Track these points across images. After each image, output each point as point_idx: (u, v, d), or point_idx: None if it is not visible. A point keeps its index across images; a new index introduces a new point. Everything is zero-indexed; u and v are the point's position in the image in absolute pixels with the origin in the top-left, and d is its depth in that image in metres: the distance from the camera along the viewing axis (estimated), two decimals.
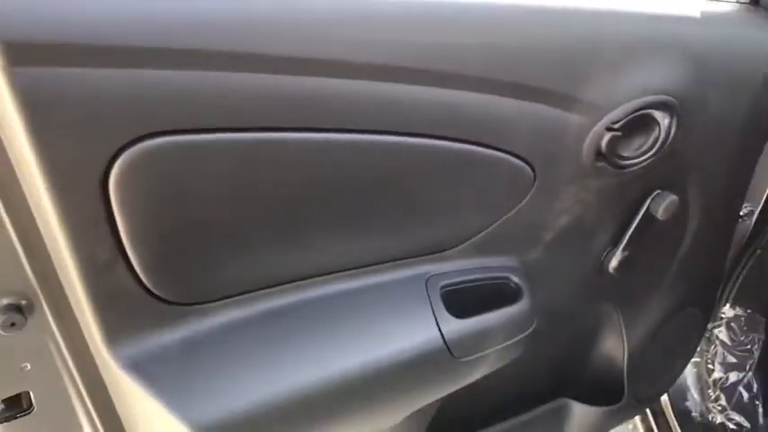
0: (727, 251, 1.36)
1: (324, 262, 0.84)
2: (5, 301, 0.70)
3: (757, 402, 1.60)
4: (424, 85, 0.77)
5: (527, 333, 0.97)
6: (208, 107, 0.64)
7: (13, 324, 0.70)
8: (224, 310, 0.78)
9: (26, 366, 0.76)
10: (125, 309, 0.71)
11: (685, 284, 1.29)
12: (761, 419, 1.58)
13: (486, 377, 1.01)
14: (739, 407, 1.59)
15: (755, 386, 1.61)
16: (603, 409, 1.20)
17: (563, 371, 1.22)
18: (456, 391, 0.98)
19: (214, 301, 0.77)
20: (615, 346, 1.26)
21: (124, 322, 0.72)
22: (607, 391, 1.24)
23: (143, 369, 0.73)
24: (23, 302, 0.71)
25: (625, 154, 0.95)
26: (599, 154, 0.93)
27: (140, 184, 0.64)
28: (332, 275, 0.85)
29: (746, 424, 1.57)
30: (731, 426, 1.57)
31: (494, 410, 1.13)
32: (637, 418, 1.71)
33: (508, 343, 0.94)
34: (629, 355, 1.26)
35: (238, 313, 0.79)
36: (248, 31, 0.64)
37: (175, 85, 0.62)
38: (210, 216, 0.71)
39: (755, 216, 1.48)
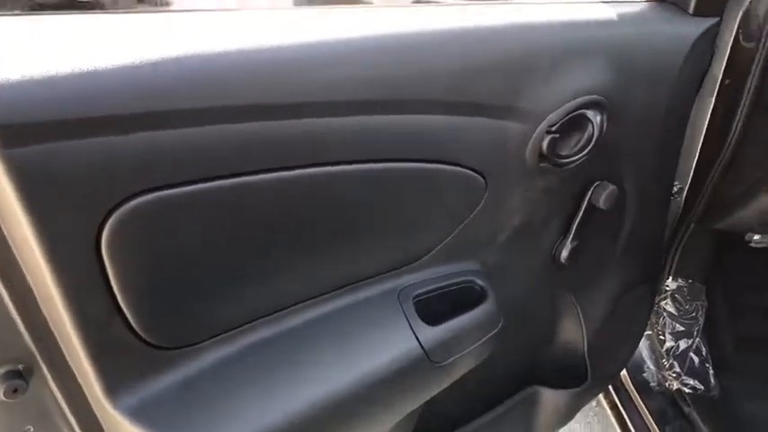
0: (664, 229, 1.48)
1: (302, 290, 0.89)
2: (5, 369, 0.73)
3: (707, 365, 1.73)
4: (382, 114, 0.83)
5: (496, 331, 1.04)
6: (184, 162, 0.69)
7: (15, 390, 0.73)
8: (213, 348, 0.82)
9: (29, 429, 0.79)
10: (122, 359, 0.75)
11: (631, 264, 1.39)
12: (712, 380, 1.71)
13: (462, 377, 1.07)
14: (692, 371, 1.71)
15: (704, 350, 1.74)
16: (571, 391, 1.29)
17: (530, 360, 1.30)
18: (435, 395, 1.04)
19: (203, 341, 0.81)
20: (575, 330, 1.35)
21: (122, 372, 0.75)
22: (572, 374, 1.33)
23: (143, 415, 0.76)
24: (22, 366, 0.74)
25: (564, 153, 1.04)
26: (541, 156, 1.02)
27: (130, 241, 0.68)
28: (311, 301, 0.90)
29: (700, 386, 1.69)
30: (687, 390, 1.69)
31: (471, 408, 1.20)
32: (600, 394, 1.82)
33: (479, 342, 1.01)
34: (588, 338, 1.35)
35: (227, 350, 0.83)
36: (213, 87, 0.69)
37: (154, 145, 0.66)
38: (195, 262, 0.75)
39: (685, 193, 1.60)
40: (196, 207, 0.72)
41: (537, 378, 1.28)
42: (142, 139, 0.66)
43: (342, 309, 0.92)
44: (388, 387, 0.91)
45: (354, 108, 0.80)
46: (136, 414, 0.75)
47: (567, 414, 1.35)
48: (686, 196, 1.60)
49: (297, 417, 0.83)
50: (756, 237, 1.61)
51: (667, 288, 1.74)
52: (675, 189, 1.60)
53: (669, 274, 1.75)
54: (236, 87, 0.71)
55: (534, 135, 0.99)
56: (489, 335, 1.03)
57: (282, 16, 0.89)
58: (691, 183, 1.58)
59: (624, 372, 1.76)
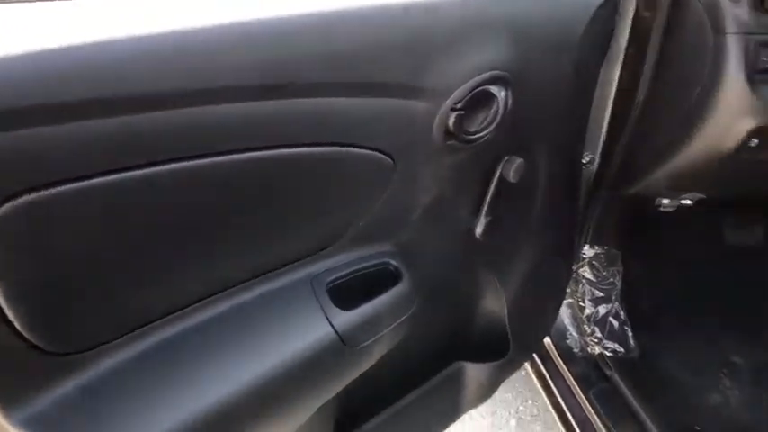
0: (577, 199, 1.51)
1: (208, 284, 0.86)
2: None
3: (626, 328, 1.79)
4: (285, 99, 0.81)
5: (412, 311, 1.04)
6: (72, 157, 0.65)
7: None
8: (114, 351, 0.79)
9: None
10: (12, 368, 0.71)
11: (547, 235, 1.41)
12: (631, 342, 1.77)
13: (382, 358, 1.07)
14: (612, 335, 1.77)
15: (622, 313, 1.80)
16: (494, 364, 1.31)
17: (453, 336, 1.31)
18: (357, 379, 1.04)
19: (103, 344, 0.78)
20: (495, 304, 1.37)
21: (13, 382, 0.72)
22: (495, 347, 1.35)
23: (40, 428, 0.73)
24: None
25: (471, 129, 1.04)
26: (448, 133, 1.02)
27: (12, 242, 0.65)
28: (219, 295, 0.88)
29: (620, 349, 1.75)
30: (608, 353, 1.74)
31: (395, 388, 1.21)
32: (526, 364, 1.86)
33: (396, 323, 1.01)
34: (509, 309, 1.38)
35: (129, 352, 0.80)
36: (98, 77, 0.66)
37: (38, 142, 0.62)
38: (86, 261, 0.72)
39: (597, 162, 1.65)
40: (85, 204, 0.68)
41: (461, 354, 1.30)
42: (23, 136, 0.62)
43: (252, 301, 0.90)
44: (305, 375, 0.90)
45: (256, 93, 0.78)
46: (32, 427, 0.72)
47: (492, 386, 1.37)
48: (598, 165, 1.64)
49: (207, 415, 0.81)
50: (665, 201, 1.67)
51: (584, 256, 1.79)
52: (587, 159, 1.64)
53: (586, 242, 1.79)
54: (127, 76, 0.67)
55: (440, 113, 0.99)
56: (405, 315, 1.03)
57: (176, 1, 0.86)
58: (602, 152, 1.62)
59: (549, 340, 1.81)
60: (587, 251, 1.79)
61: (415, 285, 1.06)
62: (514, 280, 1.39)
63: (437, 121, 0.99)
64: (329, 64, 0.84)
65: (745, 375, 1.81)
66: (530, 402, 2.19)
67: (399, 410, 1.20)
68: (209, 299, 0.87)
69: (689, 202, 1.67)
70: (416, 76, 0.93)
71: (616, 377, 1.66)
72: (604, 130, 1.59)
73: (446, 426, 1.35)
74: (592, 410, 1.61)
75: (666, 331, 1.90)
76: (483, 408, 2.15)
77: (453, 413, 1.34)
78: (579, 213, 1.64)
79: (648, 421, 1.54)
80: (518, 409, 2.17)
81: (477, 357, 1.30)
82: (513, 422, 2.12)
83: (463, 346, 1.32)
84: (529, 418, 2.13)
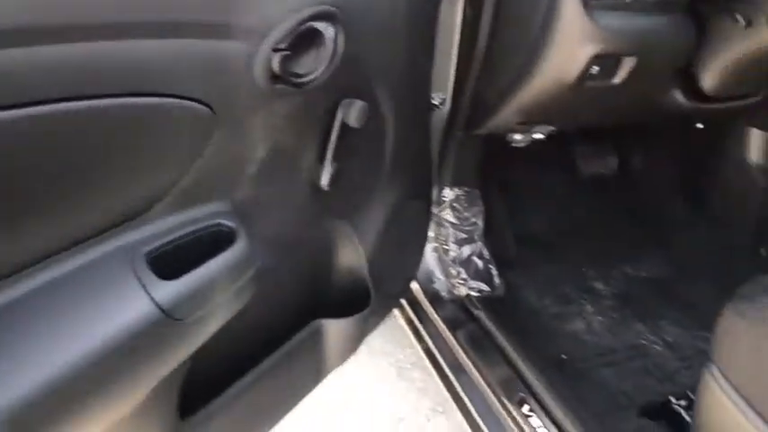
0: (428, 141, 1.48)
1: (12, 255, 0.75)
2: None
3: (490, 266, 1.80)
4: (73, 42, 0.70)
5: (252, 274, 0.97)
6: None
7: None
8: None
9: None
10: None
11: (401, 180, 1.37)
12: (497, 280, 1.79)
13: (228, 327, 1.00)
14: (478, 275, 1.78)
15: (486, 253, 1.81)
16: (356, 317, 1.27)
17: (309, 294, 1.26)
18: (201, 350, 0.96)
19: None
20: (353, 255, 1.32)
21: None
22: (355, 300, 1.31)
23: None
24: None
25: (300, 71, 0.96)
26: (274, 77, 0.93)
27: None
28: (28, 269, 0.77)
29: (486, 288, 1.77)
30: (474, 294, 1.75)
31: (248, 357, 1.14)
32: (396, 312, 1.84)
33: (234, 288, 0.93)
34: (369, 259, 1.33)
35: None
36: None
37: None
38: None
39: (449, 102, 1.62)
40: None
41: (319, 311, 1.24)
42: None
43: (66, 275, 0.80)
44: (130, 352, 0.81)
45: (38, 36, 0.67)
46: None
47: (356, 341, 1.34)
48: (450, 106, 1.62)
49: (27, 400, 0.71)
50: (517, 137, 1.68)
51: (445, 198, 1.78)
52: (439, 100, 1.61)
53: (446, 185, 1.78)
54: None
55: (260, 54, 0.90)
56: (245, 278, 0.95)
57: None
58: (452, 92, 1.60)
59: (416, 286, 1.80)
60: (448, 193, 1.78)
61: (256, 246, 0.99)
62: (371, 228, 1.34)
63: (258, 63, 0.91)
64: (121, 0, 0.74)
65: (607, 300, 1.88)
66: (408, 350, 2.19)
67: (256, 378, 1.13)
68: (13, 275, 0.75)
69: (541, 135, 1.69)
70: (227, 13, 0.84)
71: (483, 317, 1.68)
72: (453, 69, 1.56)
73: (311, 387, 1.30)
74: (462, 352, 1.61)
75: (530, 265, 1.94)
76: (364, 359, 2.13)
77: (317, 373, 1.29)
78: (434, 155, 1.62)
79: (516, 356, 1.56)
80: (398, 358, 2.17)
81: (337, 313, 1.26)
82: (392, 371, 2.12)
83: (321, 303, 1.27)
84: (408, 365, 2.13)
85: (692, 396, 1.41)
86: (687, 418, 1.37)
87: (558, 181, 2.10)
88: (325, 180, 1.13)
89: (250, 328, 1.11)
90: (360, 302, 1.28)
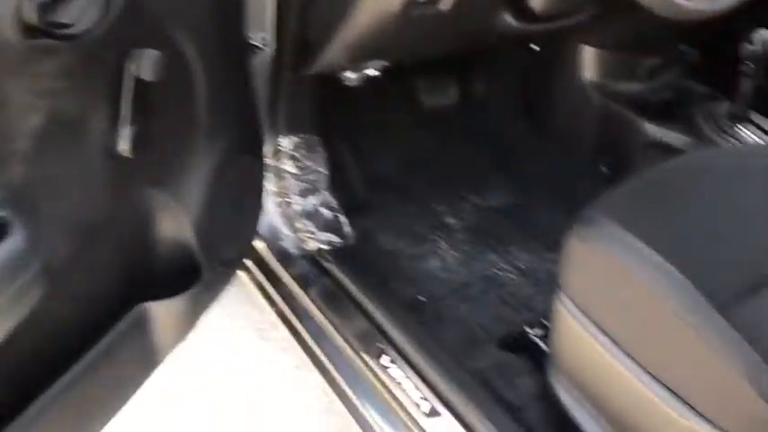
0: (251, 87, 1.35)
1: None
2: None
3: (339, 215, 1.72)
4: None
5: (38, 268, 0.83)
6: None
7: None
8: None
9: None
10: None
11: (223, 134, 1.24)
12: (347, 229, 1.72)
13: (29, 328, 0.86)
14: (326, 226, 1.69)
15: (333, 201, 1.72)
16: (186, 294, 1.15)
17: (128, 278, 1.12)
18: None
19: None
20: (175, 225, 1.19)
21: None
22: (183, 275, 1.18)
23: None
24: None
25: (67, 20, 0.81)
26: (30, 30, 0.77)
27: None
28: None
29: (336, 239, 1.69)
30: (324, 246, 1.67)
31: (62, 358, 1.00)
32: (243, 276, 1.73)
33: (11, 290, 0.79)
34: (196, 227, 1.21)
35: None
36: None
37: None
38: None
39: (272, 43, 1.49)
40: None
41: (141, 295, 1.11)
42: None
43: None
44: None
45: None
46: None
47: (190, 318, 1.22)
48: (274, 45, 1.49)
49: None
50: (350, 75, 1.58)
51: (282, 148, 1.66)
52: (260, 40, 1.47)
53: (280, 133, 1.66)
54: None
55: (5, 3, 0.74)
56: (25, 277, 0.81)
57: None
58: (275, 30, 1.47)
59: (263, 245, 1.69)
60: (284, 142, 1.66)
61: (42, 235, 0.84)
62: (194, 193, 1.21)
63: (6, 14, 0.74)
64: None
65: (459, 234, 1.86)
66: (268, 311, 2.10)
67: (73, 380, 1.00)
68: None
69: (375, 72, 1.60)
70: None
71: (336, 270, 1.60)
72: (272, 4, 1.43)
73: (144, 377, 1.18)
74: (316, 309, 1.54)
75: (381, 209, 1.88)
76: (222, 323, 2.01)
77: (148, 362, 1.17)
78: (262, 102, 1.49)
79: (373, 306, 1.50)
80: (255, 320, 2.07)
81: (165, 293, 1.13)
82: (251, 333, 2.02)
83: (144, 285, 1.13)
84: (267, 326, 2.04)
85: (546, 323, 1.42)
86: (544, 347, 1.38)
87: (401, 117, 2.04)
88: (123, 146, 0.98)
89: (57, 330, 0.97)
90: (188, 277, 1.16)
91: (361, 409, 1.38)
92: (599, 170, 1.93)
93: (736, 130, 1.76)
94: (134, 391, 1.18)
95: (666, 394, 1.08)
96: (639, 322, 1.13)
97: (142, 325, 1.11)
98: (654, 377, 1.10)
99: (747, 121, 1.76)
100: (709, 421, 1.03)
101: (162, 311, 1.13)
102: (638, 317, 1.13)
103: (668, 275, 1.10)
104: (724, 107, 1.82)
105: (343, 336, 1.46)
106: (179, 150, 1.16)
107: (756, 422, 1.00)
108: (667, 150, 1.74)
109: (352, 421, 1.39)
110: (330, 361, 1.46)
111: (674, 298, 1.08)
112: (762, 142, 1.72)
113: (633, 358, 1.12)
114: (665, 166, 1.35)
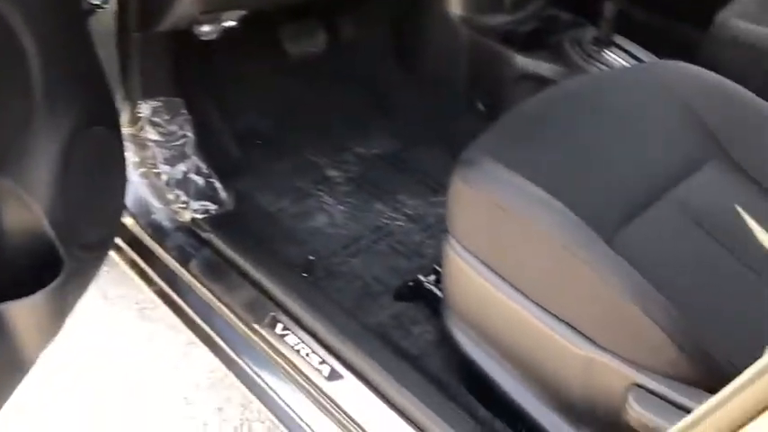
0: (92, 53, 1.22)
1: None
2: None
3: (212, 180, 1.63)
4: None
5: None
6: None
7: None
8: None
9: None
10: None
11: (66, 107, 1.12)
12: (222, 194, 1.63)
13: None
14: (200, 194, 1.60)
15: (204, 166, 1.62)
16: (47, 289, 1.05)
17: None
18: None
19: None
20: (25, 214, 1.07)
21: None
22: (47, 267, 1.07)
23: None
24: None
25: None
26: None
27: None
28: None
29: (212, 206, 1.60)
30: (200, 215, 1.58)
31: None
32: (116, 256, 1.61)
33: None
34: (49, 214, 1.09)
35: None
36: None
37: None
38: None
39: (113, 2, 1.35)
40: None
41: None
42: None
43: None
44: None
45: None
46: None
47: (57, 314, 1.11)
48: (116, 3, 1.36)
49: None
50: (206, 28, 1.47)
51: (141, 114, 1.54)
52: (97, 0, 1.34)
53: (136, 99, 1.53)
54: None
55: None
56: None
57: None
58: None
59: (133, 222, 1.57)
60: (143, 108, 1.54)
61: None
62: (42, 175, 1.09)
63: None
64: None
65: (343, 187, 1.82)
66: (147, 290, 1.99)
67: None
68: None
69: (232, 23, 1.49)
70: None
71: (215, 238, 1.52)
72: None
73: (12, 384, 1.07)
74: (198, 283, 1.46)
75: (257, 168, 1.80)
76: (97, 308, 1.89)
77: (15, 368, 1.06)
78: (111, 66, 1.36)
79: (260, 273, 1.44)
80: (138, 300, 1.96)
81: (20, 291, 1.02)
82: (131, 314, 1.91)
83: None
84: (150, 305, 1.93)
85: (438, 269, 1.41)
86: (438, 293, 1.37)
87: (269, 69, 1.94)
88: None
89: None
90: (47, 271, 1.05)
91: (258, 380, 1.33)
92: (476, 107, 1.93)
93: (603, 54, 1.79)
94: (2, 403, 1.07)
95: (561, 327, 1.10)
96: (528, 258, 1.13)
97: (0, 329, 1.00)
98: (547, 311, 1.11)
99: (613, 45, 1.80)
100: (603, 349, 1.06)
101: (22, 311, 1.02)
102: (526, 253, 1.13)
103: (552, 210, 1.11)
104: (590, 33, 1.84)
105: (230, 308, 1.39)
106: (16, 131, 1.03)
107: (645, 342, 1.03)
108: (540, 81, 1.75)
109: (249, 394, 1.34)
110: (220, 335, 1.39)
111: (560, 232, 1.09)
112: (627, 65, 1.77)
113: (525, 295, 1.13)
114: (537, 99, 1.35)
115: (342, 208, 1.74)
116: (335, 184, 1.81)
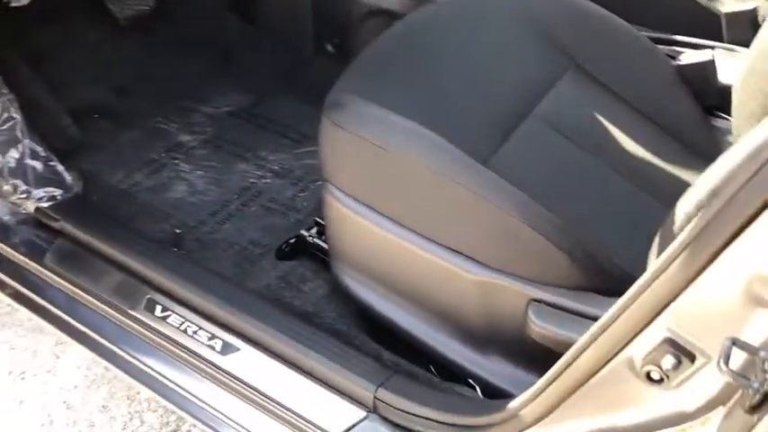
0: None
1: None
2: None
3: (52, 163, 1.48)
4: None
5: None
6: None
7: None
8: None
9: None
10: None
11: None
12: (67, 177, 1.48)
13: None
14: (40, 180, 1.44)
15: (40, 149, 1.47)
16: None
17: None
18: None
19: None
20: None
21: None
22: None
23: None
24: None
25: None
26: None
27: None
28: None
29: (57, 190, 1.45)
30: (46, 204, 1.42)
31: None
32: None
33: None
34: None
35: None
36: None
37: None
38: None
39: None
40: None
41: None
42: None
43: None
44: None
45: None
46: None
47: None
48: None
49: None
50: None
51: None
52: None
53: None
54: None
55: None
56: None
57: None
58: None
59: None
60: None
61: None
62: None
63: None
64: None
65: (199, 151, 1.72)
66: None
67: None
68: None
69: None
70: None
71: (69, 226, 1.38)
72: None
73: None
74: (57, 277, 1.33)
75: (100, 144, 1.66)
76: None
77: None
78: None
79: (125, 256, 1.33)
80: None
81: None
82: None
83: None
84: (6, 310, 1.76)
85: (320, 221, 1.37)
86: (323, 245, 1.33)
87: (98, 35, 1.77)
88: None
89: None
90: None
91: (144, 369, 1.24)
92: (325, 50, 1.87)
93: None
94: None
95: (451, 255, 1.10)
96: (410, 192, 1.12)
97: None
98: (435, 242, 1.11)
99: None
100: (497, 270, 1.07)
101: None
102: (406, 187, 1.12)
103: (427, 140, 1.10)
104: None
105: (100, 297, 1.28)
106: None
107: (535, 256, 1.06)
108: (388, 15, 1.71)
109: (136, 384, 1.25)
110: (93, 329, 1.28)
111: (437, 160, 1.08)
112: None
113: (412, 230, 1.12)
114: (390, 35, 1.33)
115: (201, 173, 1.65)
116: (190, 149, 1.71)
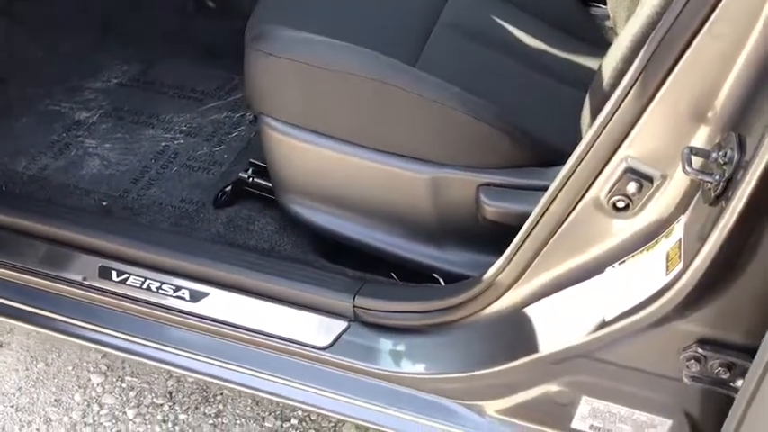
0: None
1: None
2: None
3: None
4: None
5: None
6: None
7: None
8: None
9: None
10: None
11: None
12: None
13: None
14: None
15: None
16: None
17: None
18: None
19: None
20: None
21: None
22: None
23: None
24: None
25: None
26: None
27: None
28: None
29: None
30: None
31: None
32: None
33: None
34: None
35: None
36: None
37: None
38: None
39: None
40: None
41: None
42: None
43: None
44: None
45: None
46: None
47: None
48: None
49: None
50: None
51: None
52: None
53: None
54: None
55: None
56: None
57: None
58: None
59: None
60: None
61: None
62: None
63: None
64: None
65: (102, 125, 1.64)
66: None
67: None
68: None
69: None
70: None
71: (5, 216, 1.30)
72: None
73: None
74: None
75: None
76: None
77: None
78: None
79: (62, 231, 1.28)
80: None
81: None
82: None
83: None
84: None
85: (254, 161, 1.39)
86: (266, 183, 1.35)
87: None
88: None
89: None
90: None
91: (114, 338, 1.21)
92: (207, 6, 1.85)
93: None
94: None
95: (397, 160, 1.18)
96: (348, 105, 1.18)
97: None
98: (379, 150, 1.17)
99: None
100: (443, 165, 1.15)
101: None
102: (346, 102, 1.18)
103: (358, 53, 1.17)
104: None
105: (49, 276, 1.23)
106: None
107: (479, 143, 1.14)
108: None
109: (115, 352, 1.22)
110: (50, 310, 1.23)
111: (370, 69, 1.14)
112: None
113: (354, 143, 1.18)
114: None
115: (110, 146, 1.61)
116: (91, 125, 1.65)
